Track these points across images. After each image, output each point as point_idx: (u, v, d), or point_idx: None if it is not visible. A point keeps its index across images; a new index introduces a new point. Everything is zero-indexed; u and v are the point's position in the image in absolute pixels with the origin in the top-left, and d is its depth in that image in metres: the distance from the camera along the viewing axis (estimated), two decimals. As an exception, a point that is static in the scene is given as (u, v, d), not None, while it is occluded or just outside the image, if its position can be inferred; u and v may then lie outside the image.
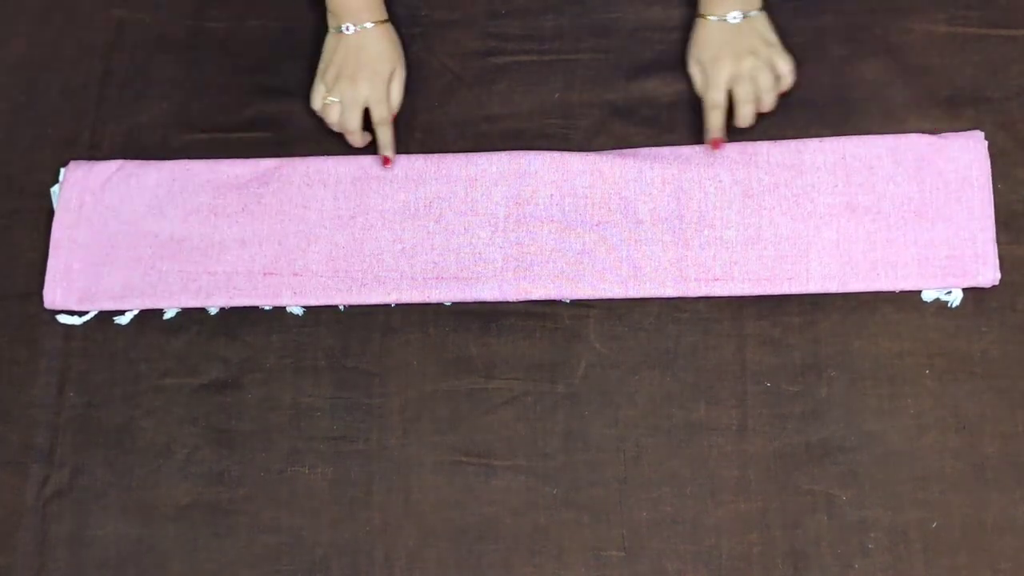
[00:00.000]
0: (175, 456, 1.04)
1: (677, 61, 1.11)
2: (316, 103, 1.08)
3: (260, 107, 1.14)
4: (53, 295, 1.07)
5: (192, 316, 1.08)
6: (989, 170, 1.04)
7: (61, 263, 1.08)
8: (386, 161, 1.06)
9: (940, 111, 1.08)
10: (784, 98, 1.07)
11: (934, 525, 0.98)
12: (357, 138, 1.08)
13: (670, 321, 1.04)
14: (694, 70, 1.08)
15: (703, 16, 1.06)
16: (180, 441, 1.04)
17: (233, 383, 1.05)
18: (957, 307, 1.03)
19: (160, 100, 1.15)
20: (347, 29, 1.06)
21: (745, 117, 1.05)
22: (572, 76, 1.13)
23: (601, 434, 1.02)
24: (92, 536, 1.02)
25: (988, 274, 1.02)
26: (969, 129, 1.07)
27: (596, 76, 1.13)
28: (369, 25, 1.06)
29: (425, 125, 1.12)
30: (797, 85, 1.08)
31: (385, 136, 1.07)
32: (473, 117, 1.12)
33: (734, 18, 1.04)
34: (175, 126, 1.14)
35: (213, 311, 1.08)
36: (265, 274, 1.06)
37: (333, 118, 1.07)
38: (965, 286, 1.01)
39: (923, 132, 1.06)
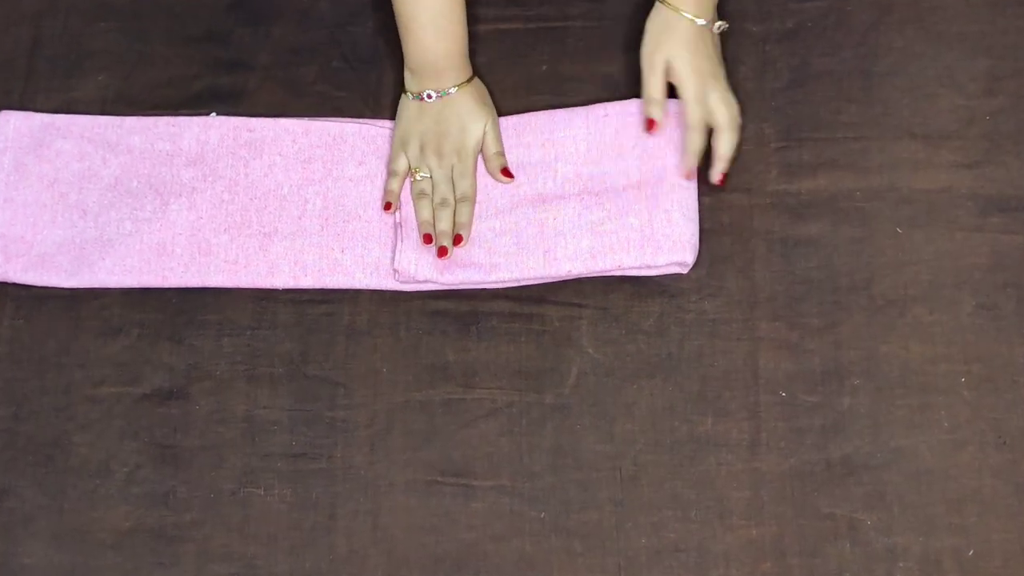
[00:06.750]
0: (114, 475, 1.01)
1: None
2: (398, 171, 1.05)
3: (211, 81, 1.12)
4: None
5: (133, 317, 1.05)
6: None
7: (0, 228, 1.07)
8: (458, 240, 1.03)
9: (977, 84, 1.07)
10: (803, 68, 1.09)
11: (971, 553, 0.95)
12: (443, 214, 1.04)
13: (672, 323, 1.03)
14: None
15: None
16: (119, 458, 1.02)
17: (179, 393, 1.03)
18: (997, 308, 1.00)
19: (97, 72, 1.13)
20: (428, 97, 1.03)
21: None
22: (562, 46, 1.11)
23: (594, 450, 1.00)
24: (20, 565, 0.99)
25: (687, 253, 1.01)
26: (1008, 105, 1.05)
27: (588, 46, 1.11)
28: (453, 90, 1.03)
29: (396, 100, 1.09)
30: (816, 55, 1.08)
31: (465, 215, 1.03)
32: (449, 91, 1.09)
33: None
34: (115, 102, 1.12)
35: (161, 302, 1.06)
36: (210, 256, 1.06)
37: (426, 190, 1.04)
38: (664, 263, 1.01)
39: (953, 107, 1.05)
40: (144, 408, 1.02)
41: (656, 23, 1.02)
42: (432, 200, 1.03)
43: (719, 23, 1.03)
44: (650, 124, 1.03)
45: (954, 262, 1.01)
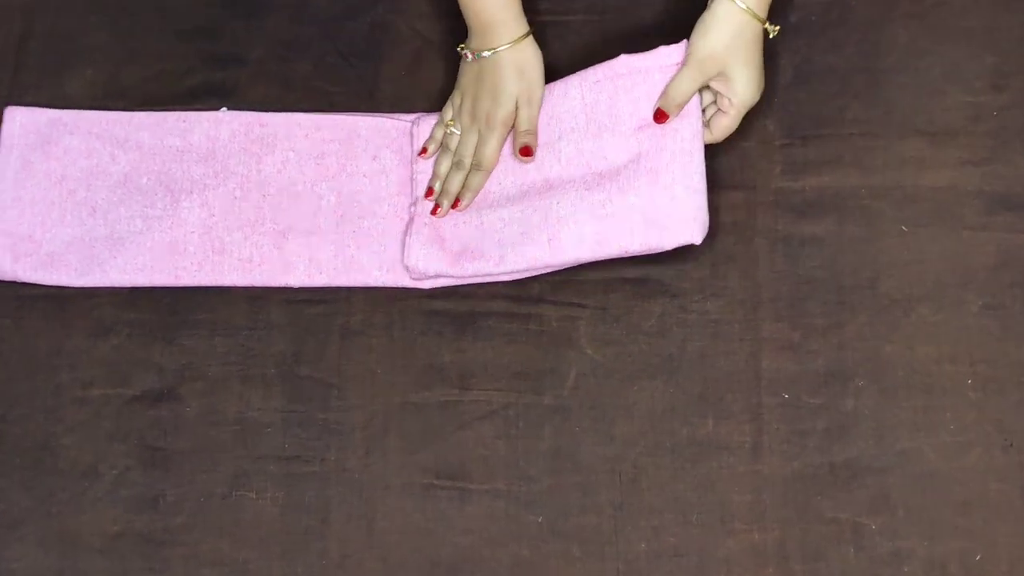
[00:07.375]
0: (103, 478, 1.00)
1: (682, 25, 1.07)
2: (443, 119, 1.06)
3: (203, 76, 1.11)
4: (2, 262, 1.04)
5: (124, 317, 1.04)
6: (698, 100, 1.02)
7: (8, 226, 1.05)
8: (455, 203, 1.03)
9: (983, 81, 1.07)
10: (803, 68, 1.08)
11: (978, 557, 0.95)
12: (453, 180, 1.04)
13: (674, 323, 1.02)
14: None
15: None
16: (108, 461, 1.01)
17: (170, 394, 1.02)
18: (1003, 308, 1.00)
19: (87, 67, 1.12)
20: (466, 57, 1.03)
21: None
22: (562, 42, 1.11)
23: (594, 453, 0.99)
24: (7, 570, 0.98)
25: (695, 232, 0.99)
26: (1015, 101, 1.05)
27: (589, 42, 1.11)
28: (487, 54, 1.01)
29: (392, 97, 1.10)
30: (818, 52, 1.08)
31: (475, 181, 1.03)
32: (446, 88, 1.09)
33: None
34: (105, 98, 1.11)
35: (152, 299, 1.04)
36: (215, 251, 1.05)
37: (451, 146, 1.05)
38: (671, 245, 1.00)
39: (959, 104, 1.04)
40: (134, 410, 1.01)
41: (725, 25, 0.97)
42: (452, 157, 1.04)
43: (774, 27, 1.00)
44: (661, 116, 1.01)
45: (960, 261, 1.01)
